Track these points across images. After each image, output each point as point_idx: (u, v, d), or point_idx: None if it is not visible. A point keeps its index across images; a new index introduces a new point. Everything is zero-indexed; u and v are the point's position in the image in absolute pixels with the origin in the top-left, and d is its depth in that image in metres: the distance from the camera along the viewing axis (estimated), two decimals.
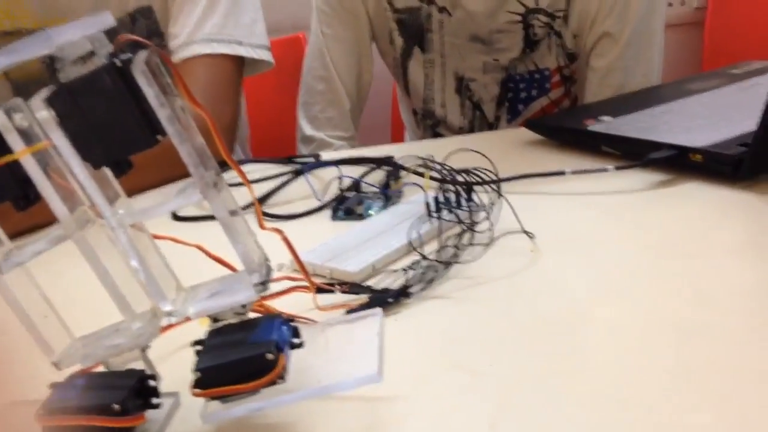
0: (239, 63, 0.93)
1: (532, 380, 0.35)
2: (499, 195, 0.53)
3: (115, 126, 0.30)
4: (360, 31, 1.03)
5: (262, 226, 0.33)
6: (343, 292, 0.44)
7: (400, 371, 0.36)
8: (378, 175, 0.68)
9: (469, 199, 0.55)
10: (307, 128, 1.06)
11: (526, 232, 0.51)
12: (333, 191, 0.66)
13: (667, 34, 0.97)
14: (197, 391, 0.31)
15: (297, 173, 0.75)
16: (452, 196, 0.54)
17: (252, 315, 0.35)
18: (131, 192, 0.34)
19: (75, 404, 0.31)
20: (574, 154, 0.71)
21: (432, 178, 0.59)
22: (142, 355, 0.34)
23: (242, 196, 0.36)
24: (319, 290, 0.43)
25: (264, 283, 0.33)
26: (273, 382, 0.31)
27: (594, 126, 0.71)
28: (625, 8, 0.91)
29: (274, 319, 0.33)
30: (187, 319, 0.33)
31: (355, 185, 0.66)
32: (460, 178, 0.55)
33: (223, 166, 0.33)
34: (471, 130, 1.06)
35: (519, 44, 0.97)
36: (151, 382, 0.33)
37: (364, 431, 0.33)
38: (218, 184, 0.31)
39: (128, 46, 0.30)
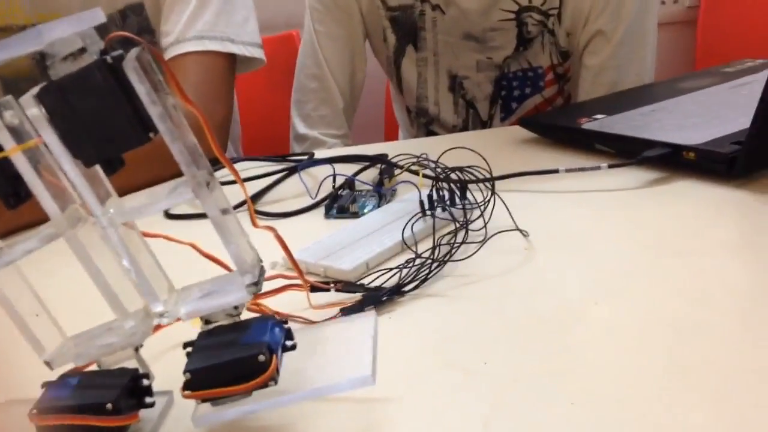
0: (231, 60, 0.92)
1: (526, 379, 0.35)
2: (493, 193, 0.53)
3: (106, 123, 0.29)
4: (353, 29, 1.03)
5: (255, 224, 0.33)
6: (337, 290, 0.44)
7: (394, 370, 0.36)
8: (372, 173, 0.68)
9: (463, 197, 0.54)
10: (300, 126, 1.05)
11: (520, 230, 0.51)
12: (326, 189, 0.66)
13: (659, 32, 0.98)
14: (187, 393, 0.31)
15: (290, 171, 0.75)
16: (446, 194, 0.54)
17: (246, 314, 0.34)
18: (123, 190, 0.33)
19: (68, 403, 0.31)
20: (568, 152, 0.71)
21: (426, 176, 0.58)
22: (135, 354, 0.34)
23: (235, 194, 0.36)
24: (313, 289, 0.43)
25: (257, 284, 0.32)
26: (265, 384, 0.30)
27: (588, 124, 0.71)
28: (618, 7, 0.91)
29: (266, 320, 0.33)
30: (179, 320, 0.33)
31: (349, 183, 0.66)
32: (453, 176, 0.55)
33: (216, 163, 0.32)
34: (464, 128, 1.06)
35: (512, 42, 0.97)
36: (145, 381, 0.33)
37: None
38: (210, 183, 0.31)
39: (119, 43, 0.29)
